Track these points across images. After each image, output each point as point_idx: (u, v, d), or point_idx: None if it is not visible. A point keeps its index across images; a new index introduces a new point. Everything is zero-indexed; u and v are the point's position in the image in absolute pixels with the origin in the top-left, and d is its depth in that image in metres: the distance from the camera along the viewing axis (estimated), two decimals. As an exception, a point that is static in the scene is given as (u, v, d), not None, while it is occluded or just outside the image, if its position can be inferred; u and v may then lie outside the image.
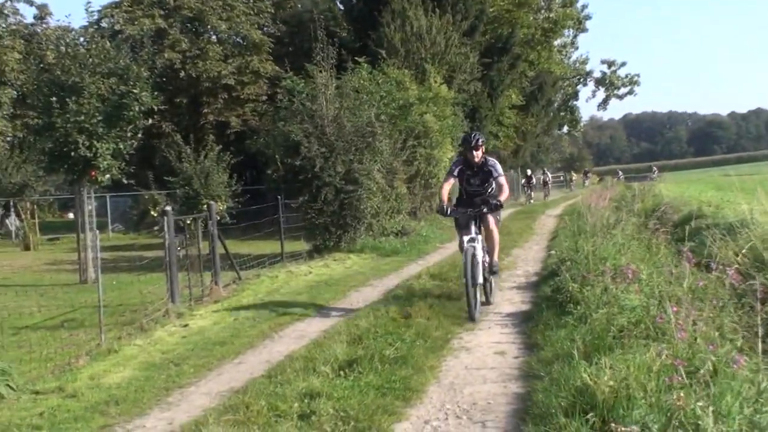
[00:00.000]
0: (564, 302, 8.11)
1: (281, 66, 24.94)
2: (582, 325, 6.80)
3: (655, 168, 73.54)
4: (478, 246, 8.93)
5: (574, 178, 64.56)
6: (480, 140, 9.32)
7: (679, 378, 4.55)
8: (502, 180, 9.33)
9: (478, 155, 9.25)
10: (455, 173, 9.43)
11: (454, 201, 9.72)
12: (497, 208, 9.19)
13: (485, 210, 9.09)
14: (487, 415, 5.41)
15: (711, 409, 4.17)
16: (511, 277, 12.49)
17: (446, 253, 16.33)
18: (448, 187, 9.37)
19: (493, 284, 9.93)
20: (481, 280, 9.04)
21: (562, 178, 67.09)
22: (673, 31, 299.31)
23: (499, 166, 9.45)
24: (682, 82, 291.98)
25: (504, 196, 9.16)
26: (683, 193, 26.88)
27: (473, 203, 9.31)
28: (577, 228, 14.23)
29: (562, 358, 5.97)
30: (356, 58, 21.47)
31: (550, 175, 50.35)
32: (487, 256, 9.32)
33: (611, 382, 4.64)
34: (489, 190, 9.43)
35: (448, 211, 9.12)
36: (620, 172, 73.00)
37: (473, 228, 9.02)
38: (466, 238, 8.93)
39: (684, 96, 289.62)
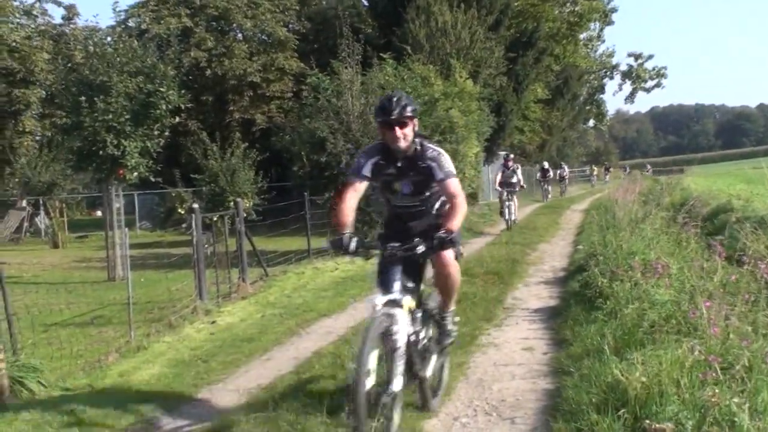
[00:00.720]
0: (593, 297, 8.03)
1: (306, 63, 24.92)
2: (612, 321, 6.71)
3: (648, 166, 73.53)
4: (401, 318, 4.67)
5: (595, 172, 63.55)
6: (408, 108, 5.00)
7: (713, 374, 4.48)
8: (452, 184, 5.03)
9: (402, 136, 5.02)
10: (364, 172, 5.20)
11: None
12: (447, 244, 4.75)
13: (425, 249, 4.71)
14: (516, 411, 5.36)
15: (747, 405, 4.10)
16: (538, 272, 12.43)
17: (472, 249, 16.26)
18: (352, 200, 5.18)
19: (444, 372, 5.85)
20: (424, 371, 5.14)
21: (587, 171, 66.13)
22: (700, 22, 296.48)
23: (444, 159, 5.09)
24: (710, 74, 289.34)
25: (458, 218, 4.92)
26: (712, 186, 26.62)
27: (406, 231, 5.19)
28: (604, 222, 14.11)
29: (592, 354, 5.90)
30: (381, 54, 21.39)
31: (567, 170, 48.89)
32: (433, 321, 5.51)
33: (643, 378, 4.57)
34: (428, 205, 5.38)
35: (352, 246, 4.79)
36: (648, 165, 72.54)
37: (398, 282, 4.80)
38: (380, 300, 4.66)
39: (711, 88, 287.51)
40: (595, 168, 65.15)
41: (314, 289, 11.91)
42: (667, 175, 46.26)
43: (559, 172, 47.19)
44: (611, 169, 66.53)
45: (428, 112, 21.08)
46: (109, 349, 8.06)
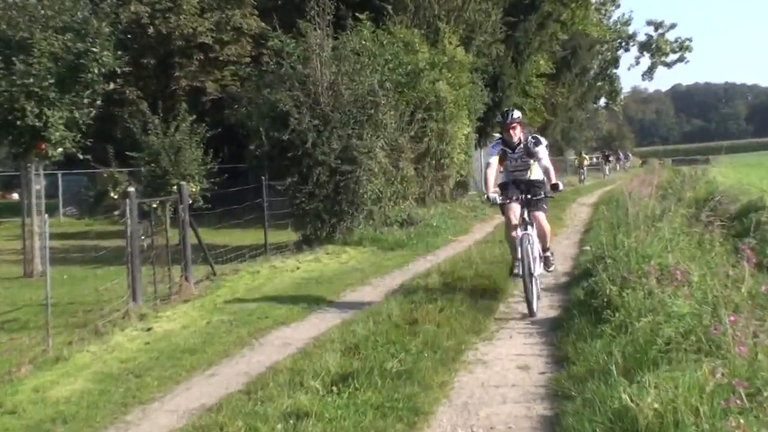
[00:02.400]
0: (600, 308, 8.05)
1: (268, 22, 24.82)
2: (621, 336, 6.74)
3: (628, 153, 73.28)
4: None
5: (585, 162, 60.73)
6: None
7: (738, 401, 4.49)
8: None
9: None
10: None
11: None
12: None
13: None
14: (507, 441, 5.36)
15: (776, 438, 4.12)
16: (538, 276, 12.43)
17: (460, 248, 16.30)
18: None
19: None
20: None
21: (596, 160, 64.80)
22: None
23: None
24: (742, 49, 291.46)
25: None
26: (741, 179, 26.85)
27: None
28: (615, 220, 14.17)
29: (597, 375, 5.91)
30: (357, 14, 21.37)
31: (586, 156, 49.58)
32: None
33: (656, 405, 4.58)
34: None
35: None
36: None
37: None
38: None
39: (743, 65, 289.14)
40: (586, 157, 57.87)
41: (271, 292, 11.89)
42: (689, 165, 46.52)
43: (576, 159, 48.90)
44: (611, 158, 63.05)
45: (411, 84, 21.11)
46: (22, 359, 7.96)
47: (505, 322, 9.19)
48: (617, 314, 7.37)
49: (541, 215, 9.82)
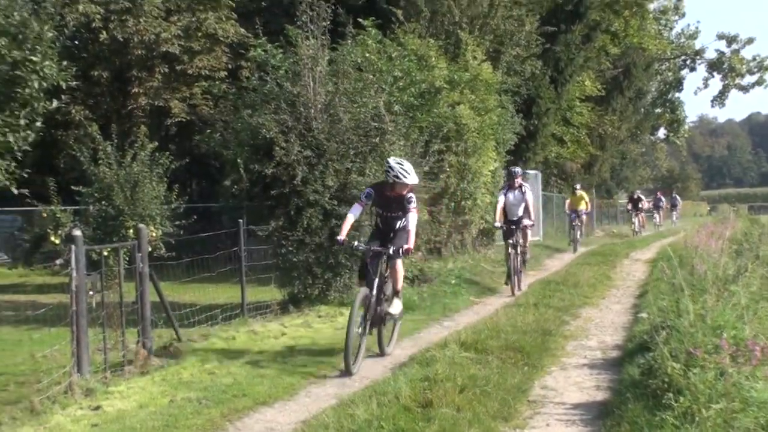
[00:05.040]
0: (660, 390, 8.05)
1: (249, 28, 25.03)
2: (686, 427, 6.75)
3: (676, 197, 65.20)
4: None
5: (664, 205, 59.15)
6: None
7: None
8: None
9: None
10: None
11: None
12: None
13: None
14: None
15: None
16: (581, 349, 12.47)
17: (484, 312, 16.31)
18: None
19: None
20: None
21: (653, 204, 61.90)
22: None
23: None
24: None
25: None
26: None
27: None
28: (678, 281, 14.19)
29: (657, 476, 5.91)
30: (360, 19, 21.52)
31: (644, 199, 48.91)
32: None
33: None
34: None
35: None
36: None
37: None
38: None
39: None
40: (643, 198, 54.24)
41: (250, 364, 11.84)
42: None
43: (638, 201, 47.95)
44: (643, 205, 53.79)
45: (425, 107, 21.16)
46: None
47: (540, 405, 9.17)
48: (681, 399, 7.37)
49: None
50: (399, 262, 12.34)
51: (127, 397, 9.97)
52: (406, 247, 11.81)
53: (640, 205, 46.79)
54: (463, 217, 24.11)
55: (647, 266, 24.85)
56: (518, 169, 20.51)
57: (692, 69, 68.29)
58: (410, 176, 11.95)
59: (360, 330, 11.36)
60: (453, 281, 20.09)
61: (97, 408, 9.47)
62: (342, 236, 11.90)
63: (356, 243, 12.44)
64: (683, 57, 65.62)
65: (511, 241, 19.52)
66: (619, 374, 10.39)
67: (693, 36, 65.61)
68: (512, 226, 19.68)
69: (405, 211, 12.09)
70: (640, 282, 21.04)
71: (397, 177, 11.88)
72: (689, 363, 8.01)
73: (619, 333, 13.76)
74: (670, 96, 66.47)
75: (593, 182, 48.41)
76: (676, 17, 62.48)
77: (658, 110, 65.03)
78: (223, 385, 10.38)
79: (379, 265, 12.04)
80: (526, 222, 19.82)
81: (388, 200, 12.24)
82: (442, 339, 12.98)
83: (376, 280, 11.85)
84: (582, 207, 34.05)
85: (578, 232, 34.28)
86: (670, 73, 65.28)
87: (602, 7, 40.20)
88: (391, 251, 11.91)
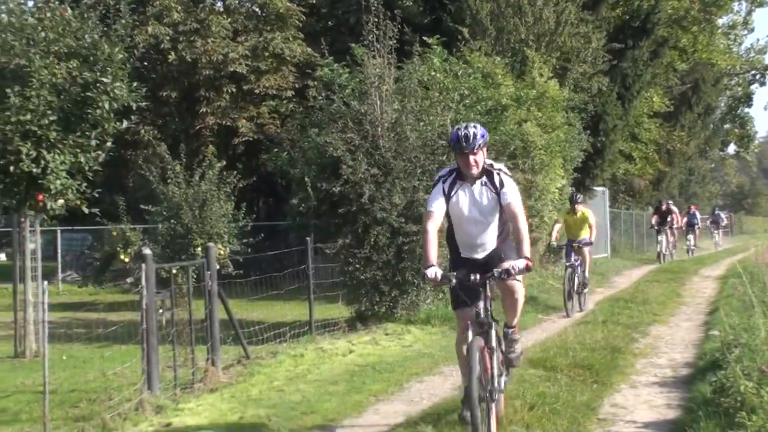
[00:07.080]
0: (732, 409, 7.96)
1: (316, 48, 25.17)
2: (762, 445, 6.65)
3: (719, 212, 57.34)
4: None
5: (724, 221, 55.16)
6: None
7: None
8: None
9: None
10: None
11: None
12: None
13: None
14: None
15: None
16: (650, 367, 12.34)
17: (552, 329, 16.20)
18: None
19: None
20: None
21: (711, 221, 57.51)
22: None
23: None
24: None
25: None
26: None
27: None
28: (750, 297, 14.01)
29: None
30: (425, 38, 21.53)
31: (723, 216, 47.11)
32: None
33: None
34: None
35: None
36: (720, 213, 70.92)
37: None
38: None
39: None
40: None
41: (318, 381, 11.86)
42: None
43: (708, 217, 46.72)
44: (676, 223, 41.75)
45: (492, 125, 21.07)
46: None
47: (610, 423, 9.08)
48: (754, 418, 7.28)
49: None
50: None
51: (197, 414, 10.03)
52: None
53: (669, 219, 37.16)
54: (532, 234, 23.97)
55: (717, 283, 24.58)
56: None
57: (762, 84, 67.39)
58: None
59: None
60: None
61: (168, 425, 9.53)
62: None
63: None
64: (753, 72, 64.85)
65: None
66: (690, 392, 10.27)
67: (762, 51, 64.80)
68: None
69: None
70: (710, 299, 20.81)
71: None
72: (762, 381, 7.91)
73: (690, 350, 13.62)
74: (739, 111, 65.77)
75: (663, 198, 47.81)
76: (745, 32, 61.82)
77: (727, 126, 64.43)
78: (291, 402, 10.40)
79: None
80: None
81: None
82: (510, 357, 12.92)
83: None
84: (584, 235, 19.94)
85: (575, 281, 19.73)
86: (739, 88, 64.54)
87: (670, 23, 39.95)
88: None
